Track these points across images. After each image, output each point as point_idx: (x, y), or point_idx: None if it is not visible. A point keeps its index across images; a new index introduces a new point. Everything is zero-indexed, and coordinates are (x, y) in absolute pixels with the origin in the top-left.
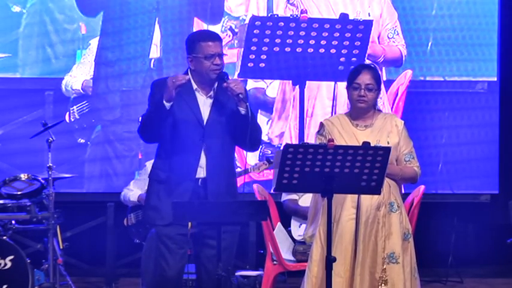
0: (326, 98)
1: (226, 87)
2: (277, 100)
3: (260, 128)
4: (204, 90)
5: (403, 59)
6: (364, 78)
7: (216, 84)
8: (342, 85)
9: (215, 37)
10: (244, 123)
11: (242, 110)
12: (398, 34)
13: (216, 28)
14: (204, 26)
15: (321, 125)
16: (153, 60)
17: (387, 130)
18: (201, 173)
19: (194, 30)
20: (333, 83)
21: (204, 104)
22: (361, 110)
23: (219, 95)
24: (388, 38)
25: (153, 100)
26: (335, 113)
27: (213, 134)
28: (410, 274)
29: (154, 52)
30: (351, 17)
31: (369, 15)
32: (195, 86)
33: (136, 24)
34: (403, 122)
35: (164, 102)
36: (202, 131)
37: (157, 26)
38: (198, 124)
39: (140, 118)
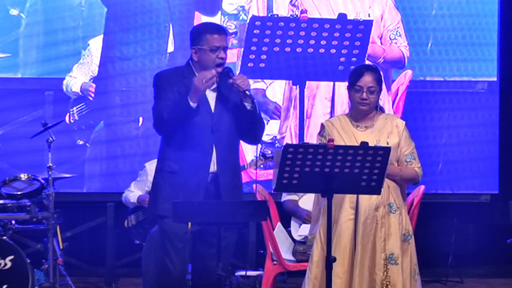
0: (324, 99)
1: (232, 84)
2: (285, 98)
3: (263, 121)
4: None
5: (405, 60)
6: (367, 81)
7: (217, 77)
8: (341, 85)
9: (222, 30)
10: (251, 118)
11: (248, 106)
12: (400, 35)
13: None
14: (203, 18)
15: (322, 126)
16: (167, 56)
17: (387, 131)
18: (212, 167)
19: (195, 23)
20: (331, 83)
21: (209, 97)
22: (363, 112)
23: (222, 88)
24: (390, 39)
25: (175, 102)
26: (334, 113)
27: (220, 128)
28: (410, 276)
29: (170, 48)
30: (351, 17)
31: (369, 16)
32: None
33: (143, 23)
34: (404, 122)
35: (191, 103)
36: (211, 123)
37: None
38: (209, 116)
39: (142, 119)
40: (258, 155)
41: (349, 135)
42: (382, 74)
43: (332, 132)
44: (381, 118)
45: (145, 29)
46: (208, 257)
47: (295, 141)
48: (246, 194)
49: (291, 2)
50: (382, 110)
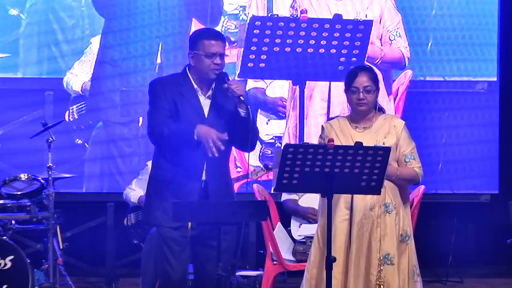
0: (320, 99)
1: (226, 89)
2: (289, 98)
3: (257, 129)
4: (203, 90)
5: (406, 61)
6: (362, 81)
7: (214, 85)
8: (336, 86)
9: (219, 36)
10: (245, 125)
11: (242, 112)
12: (400, 36)
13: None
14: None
15: (322, 128)
16: (157, 66)
17: (384, 131)
18: (203, 174)
19: (192, 30)
20: (327, 84)
21: (204, 104)
22: (362, 113)
23: (218, 95)
24: (390, 39)
25: (181, 128)
26: (330, 114)
27: None
28: (408, 277)
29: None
30: (351, 17)
31: (366, 16)
32: (195, 86)
33: (143, 23)
34: (403, 122)
35: (195, 137)
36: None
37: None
38: (201, 124)
39: (142, 119)
40: (261, 159)
41: (346, 137)
42: (380, 73)
43: (330, 134)
44: (380, 119)
45: (145, 29)
46: (209, 260)
47: (293, 142)
48: (246, 194)
49: (291, 4)
50: (382, 110)
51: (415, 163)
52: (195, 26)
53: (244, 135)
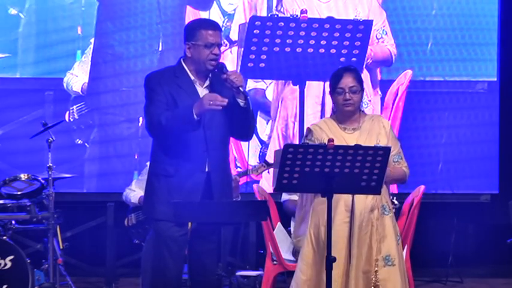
0: (315, 102)
1: (225, 79)
2: (274, 98)
3: (255, 118)
4: (201, 81)
5: (393, 58)
6: (347, 82)
7: (210, 75)
8: None
9: (216, 26)
10: (244, 115)
11: (241, 102)
12: (387, 34)
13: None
14: (196, 13)
15: (308, 130)
16: (158, 54)
17: (376, 132)
18: (206, 166)
19: (186, 18)
20: (321, 84)
21: (202, 94)
22: (348, 114)
23: (215, 86)
24: (377, 38)
25: (178, 110)
26: (324, 114)
27: (212, 125)
28: (404, 276)
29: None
30: (350, 17)
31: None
32: (192, 77)
33: (143, 22)
34: (389, 122)
35: (195, 116)
36: (203, 121)
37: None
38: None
39: (142, 119)
40: (261, 159)
41: (339, 139)
42: (368, 74)
43: (321, 136)
44: (366, 119)
45: (145, 29)
46: (205, 253)
47: (282, 143)
48: (246, 194)
49: (276, 7)
50: (363, 112)
51: (402, 162)
52: (189, 12)
53: (243, 125)
